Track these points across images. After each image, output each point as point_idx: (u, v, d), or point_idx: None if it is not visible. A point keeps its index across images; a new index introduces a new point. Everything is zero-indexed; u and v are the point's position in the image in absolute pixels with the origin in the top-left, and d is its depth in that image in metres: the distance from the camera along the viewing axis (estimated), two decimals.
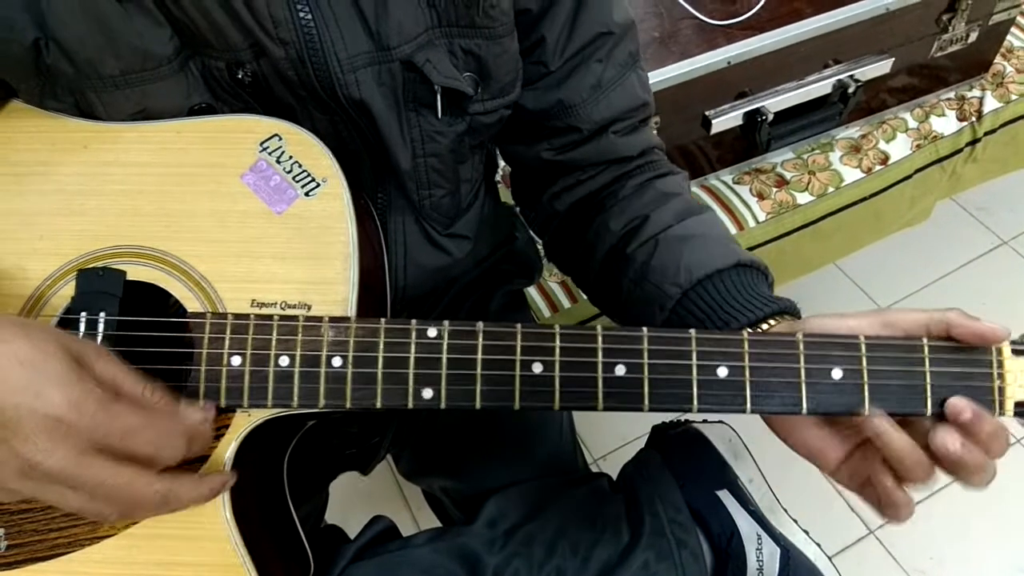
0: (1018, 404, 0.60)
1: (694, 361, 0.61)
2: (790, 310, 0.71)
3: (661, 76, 1.18)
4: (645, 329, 0.61)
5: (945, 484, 1.56)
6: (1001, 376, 0.60)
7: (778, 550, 0.81)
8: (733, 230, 1.36)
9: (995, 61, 1.55)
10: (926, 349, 0.60)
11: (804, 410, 0.60)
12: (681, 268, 0.74)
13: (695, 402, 0.61)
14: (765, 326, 0.69)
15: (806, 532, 0.85)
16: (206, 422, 0.59)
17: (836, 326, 0.62)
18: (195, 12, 0.63)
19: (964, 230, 1.99)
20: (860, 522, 1.56)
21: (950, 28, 1.39)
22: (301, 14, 0.64)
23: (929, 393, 0.60)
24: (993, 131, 1.53)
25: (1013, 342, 0.61)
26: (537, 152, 0.84)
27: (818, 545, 0.85)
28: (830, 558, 0.84)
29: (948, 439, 0.57)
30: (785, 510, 0.86)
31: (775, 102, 1.30)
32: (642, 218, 0.79)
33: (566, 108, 0.80)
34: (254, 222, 0.66)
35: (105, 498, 0.53)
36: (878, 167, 1.44)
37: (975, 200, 2.01)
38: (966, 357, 0.60)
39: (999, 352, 0.60)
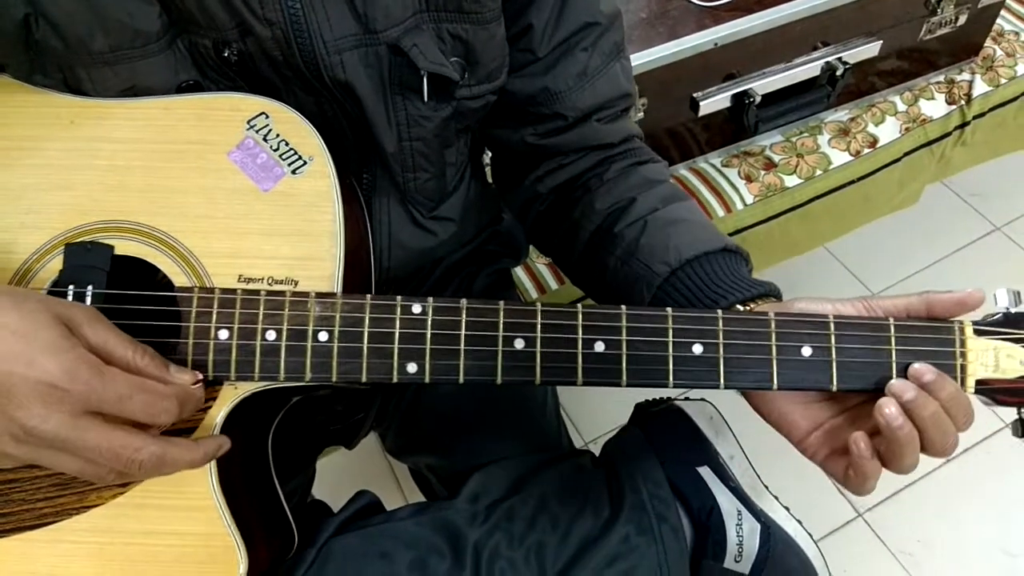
0: (979, 382, 0.63)
1: (670, 339, 0.62)
2: (774, 293, 0.73)
3: (649, 57, 1.18)
4: (623, 307, 0.63)
5: (933, 468, 1.57)
6: (963, 355, 0.62)
7: (758, 526, 0.82)
8: (721, 212, 1.36)
9: (985, 44, 1.55)
10: (892, 328, 0.62)
11: (775, 386, 0.62)
12: (670, 248, 0.75)
13: (671, 378, 0.63)
14: (752, 306, 0.70)
15: (787, 508, 0.86)
16: (197, 385, 0.61)
17: (820, 310, 0.65)
18: None
19: (957, 216, 2.00)
20: (848, 505, 1.57)
21: (939, 11, 1.39)
22: None
23: (895, 371, 0.62)
24: (982, 115, 1.53)
25: (975, 322, 0.63)
26: (521, 136, 0.85)
27: (799, 522, 0.86)
28: (811, 536, 0.85)
29: (890, 406, 0.60)
30: (766, 487, 0.87)
31: (763, 84, 1.30)
32: (629, 200, 0.81)
33: (552, 95, 0.81)
34: (241, 199, 0.67)
35: (101, 461, 0.55)
36: (866, 150, 1.44)
37: (968, 186, 2.02)
38: (931, 336, 0.62)
39: (962, 332, 0.63)
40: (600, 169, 0.85)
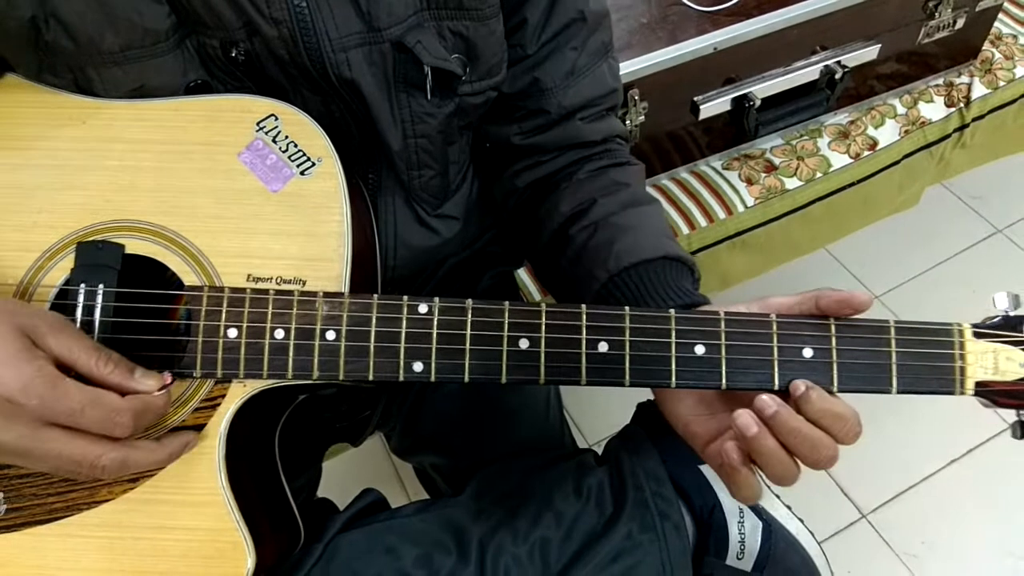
0: (978, 384, 0.63)
1: (673, 339, 0.63)
2: (701, 303, 0.74)
3: (649, 61, 1.18)
4: (627, 308, 0.64)
5: (937, 469, 1.56)
6: (963, 357, 0.63)
7: (760, 524, 0.82)
8: (722, 215, 1.37)
9: (983, 48, 1.55)
10: (892, 330, 0.63)
11: (776, 386, 0.63)
12: (612, 255, 0.77)
13: (673, 378, 0.63)
14: None
15: (788, 507, 0.87)
16: (162, 392, 0.61)
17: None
18: None
19: (959, 218, 2.00)
20: (852, 506, 1.57)
21: (936, 14, 1.39)
22: None
23: (895, 372, 0.63)
24: (981, 117, 1.53)
25: (975, 325, 0.64)
26: (507, 134, 0.86)
27: (801, 520, 0.86)
28: (813, 534, 0.86)
29: (743, 416, 0.60)
30: (768, 486, 0.87)
31: (763, 88, 1.30)
32: (590, 202, 0.82)
33: (541, 91, 0.83)
34: (251, 199, 0.67)
35: (65, 467, 0.57)
36: (866, 153, 1.45)
37: (970, 188, 2.02)
38: (930, 339, 0.63)
39: (961, 335, 0.63)
40: (573, 168, 0.86)
